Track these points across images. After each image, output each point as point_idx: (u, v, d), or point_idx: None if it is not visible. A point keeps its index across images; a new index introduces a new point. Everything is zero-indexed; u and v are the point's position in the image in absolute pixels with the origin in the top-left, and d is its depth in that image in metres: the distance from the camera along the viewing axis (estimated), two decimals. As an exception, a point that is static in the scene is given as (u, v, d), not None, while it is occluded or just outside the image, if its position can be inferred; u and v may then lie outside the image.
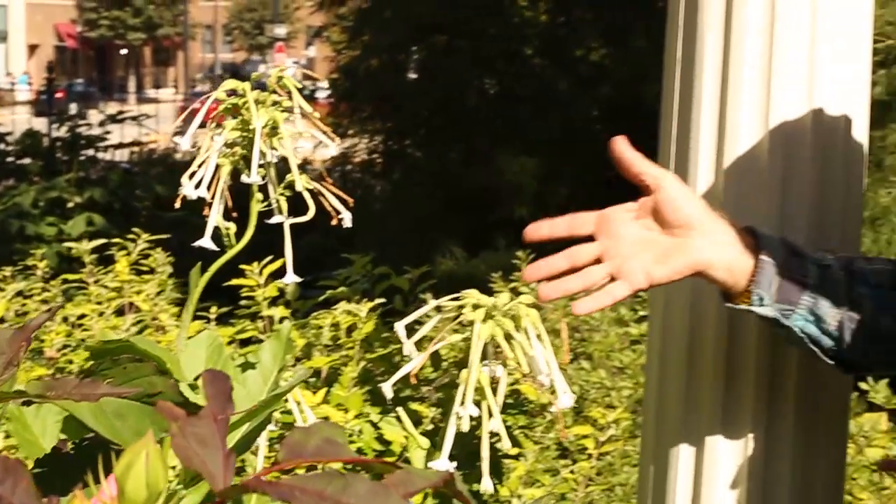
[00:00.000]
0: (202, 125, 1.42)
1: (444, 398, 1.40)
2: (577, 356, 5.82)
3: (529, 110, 11.14)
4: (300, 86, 1.42)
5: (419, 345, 1.36)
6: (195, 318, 3.56)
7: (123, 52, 55.66)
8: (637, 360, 5.90)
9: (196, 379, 1.37)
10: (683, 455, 1.85)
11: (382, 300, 3.35)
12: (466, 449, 1.37)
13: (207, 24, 59.05)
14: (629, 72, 10.75)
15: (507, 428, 3.19)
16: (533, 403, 3.70)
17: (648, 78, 9.91)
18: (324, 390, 2.53)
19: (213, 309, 3.65)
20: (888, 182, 7.51)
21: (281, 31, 48.07)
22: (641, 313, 6.67)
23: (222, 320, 3.71)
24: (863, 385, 5.74)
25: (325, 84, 14.03)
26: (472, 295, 1.34)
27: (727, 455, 1.82)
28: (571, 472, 3.89)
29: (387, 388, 1.32)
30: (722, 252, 1.56)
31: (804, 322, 1.61)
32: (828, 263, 1.63)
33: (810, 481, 1.83)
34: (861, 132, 1.84)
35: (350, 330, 3.14)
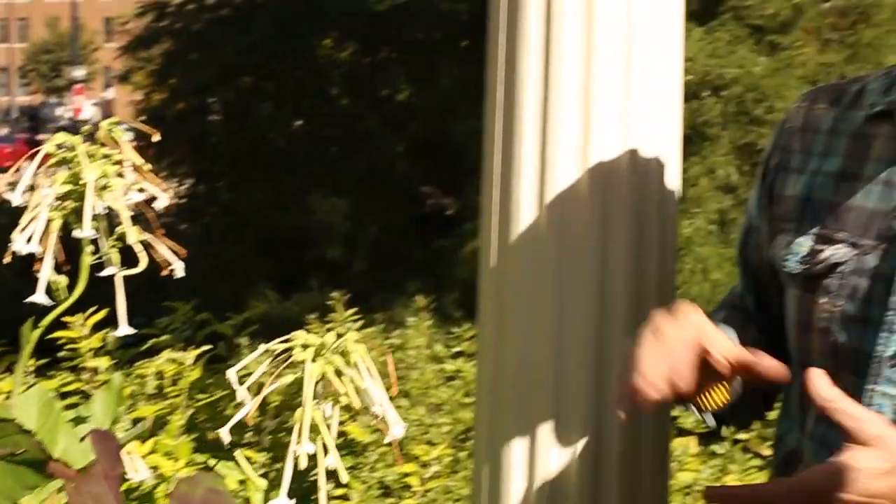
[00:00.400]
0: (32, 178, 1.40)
1: (273, 441, 1.41)
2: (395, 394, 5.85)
3: (338, 150, 11.18)
4: (131, 138, 1.41)
5: (252, 389, 1.37)
6: (4, 371, 3.49)
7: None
8: (454, 396, 5.96)
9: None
10: (516, 471, 1.89)
11: (208, 347, 3.33)
12: (302, 489, 1.39)
13: (2, 66, 57.73)
14: (435, 109, 10.88)
15: (335, 469, 3.22)
16: (358, 444, 3.71)
17: (454, 115, 10.04)
18: (152, 440, 2.51)
19: (31, 362, 3.57)
20: (690, 213, 7.76)
21: (79, 73, 47.24)
22: (456, 349, 6.76)
23: (40, 373, 3.64)
24: (672, 411, 5.90)
25: (128, 126, 13.76)
26: (300, 336, 1.36)
27: (559, 462, 1.86)
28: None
29: (224, 434, 1.32)
30: None
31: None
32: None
33: (637, 482, 1.90)
34: (673, 169, 1.92)
35: (175, 378, 3.12)
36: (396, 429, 1.37)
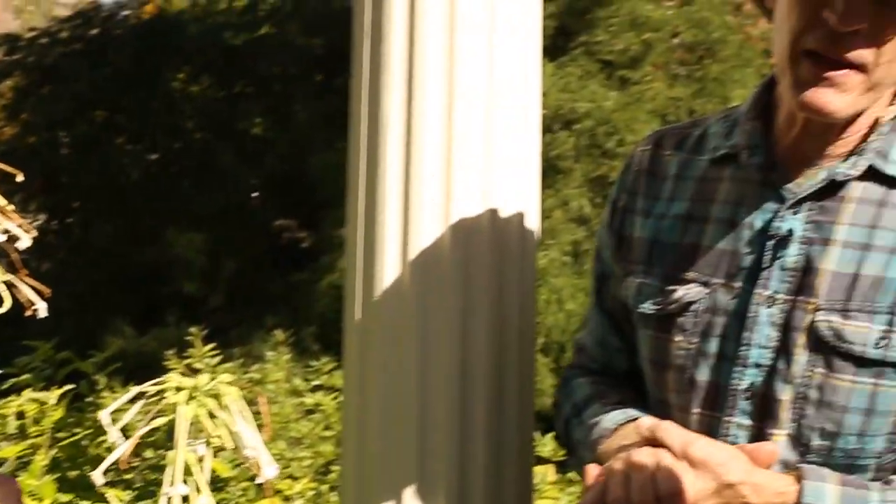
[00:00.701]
0: None
1: (144, 481, 1.42)
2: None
3: (194, 185, 11.08)
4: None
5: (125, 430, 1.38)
6: None
7: None
8: (314, 429, 5.95)
9: None
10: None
11: (71, 386, 3.29)
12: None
13: None
14: (291, 143, 10.85)
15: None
16: (222, 481, 3.69)
17: (310, 149, 10.03)
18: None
19: None
20: (544, 245, 7.85)
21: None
22: (315, 383, 6.73)
23: None
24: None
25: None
26: (173, 378, 1.37)
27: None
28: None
29: (97, 476, 1.33)
30: None
31: None
32: None
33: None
34: (533, 221, 1.98)
35: (37, 418, 3.08)
36: (269, 469, 1.39)
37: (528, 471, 2.01)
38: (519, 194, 1.94)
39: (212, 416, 1.37)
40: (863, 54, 1.54)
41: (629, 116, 7.84)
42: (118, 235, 10.74)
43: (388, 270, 1.90)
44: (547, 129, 8.05)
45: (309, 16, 11.33)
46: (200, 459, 1.37)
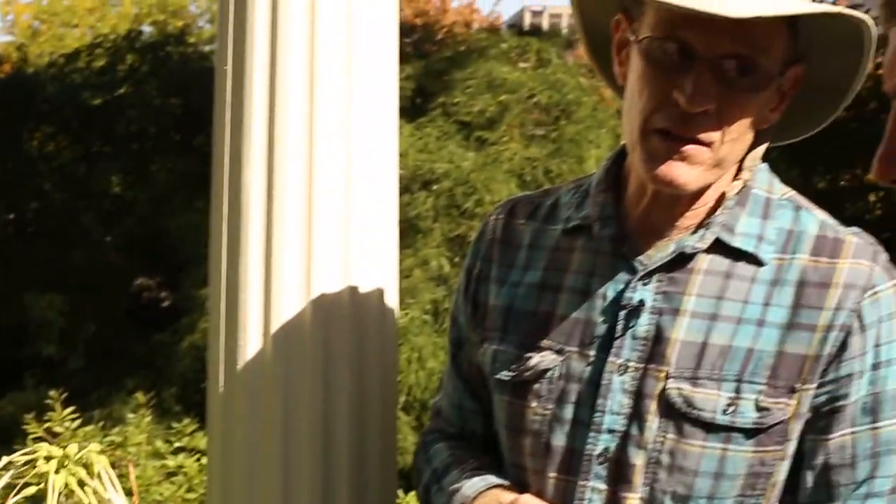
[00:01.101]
0: None
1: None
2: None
3: (53, 246, 10.92)
4: None
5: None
6: None
7: None
8: (177, 492, 5.91)
9: None
10: None
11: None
12: None
13: None
14: (150, 203, 10.77)
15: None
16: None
17: (169, 209, 9.97)
18: None
19: None
20: (405, 304, 7.86)
21: None
22: (177, 444, 6.68)
23: None
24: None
25: None
26: (43, 448, 1.40)
27: None
28: None
29: None
30: None
31: None
32: None
33: None
34: (392, 300, 2.01)
35: None
36: None
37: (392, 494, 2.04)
38: (378, 261, 1.98)
39: (82, 484, 1.40)
40: (710, 133, 1.62)
41: (486, 176, 7.90)
42: (-27, 298, 10.53)
43: (251, 341, 1.92)
44: (406, 189, 8.09)
45: (167, 76, 11.27)
46: None
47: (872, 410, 1.67)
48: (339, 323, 1.94)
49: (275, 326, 1.91)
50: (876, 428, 1.67)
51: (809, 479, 1.69)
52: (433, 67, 9.34)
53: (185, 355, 8.55)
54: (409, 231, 7.94)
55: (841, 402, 1.66)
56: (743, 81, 1.61)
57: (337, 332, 1.93)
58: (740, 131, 1.64)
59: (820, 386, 1.66)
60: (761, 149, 1.74)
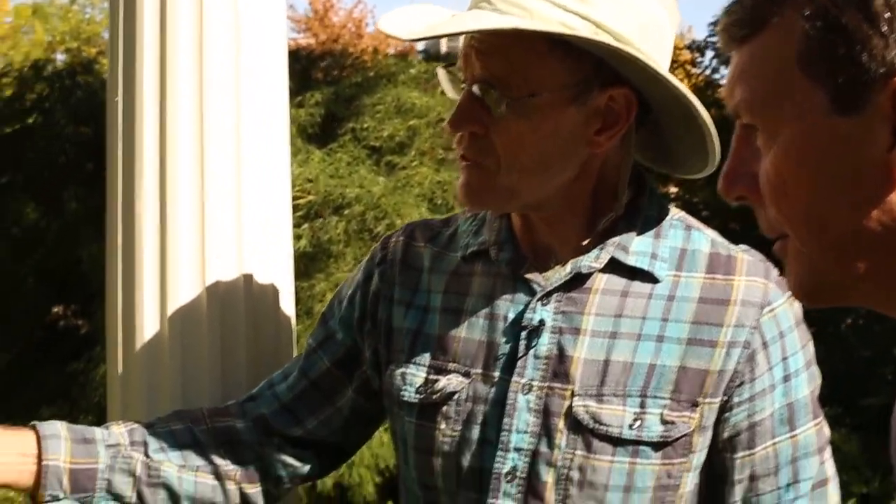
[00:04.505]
0: None
1: None
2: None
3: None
4: None
5: None
6: None
7: None
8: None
9: None
10: None
11: None
12: None
13: None
14: (63, 233, 10.66)
15: None
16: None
17: (81, 239, 9.89)
18: None
19: None
20: (308, 326, 7.86)
21: None
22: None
23: None
24: None
25: None
26: None
27: None
28: None
29: None
30: None
31: (106, 502, 1.78)
32: (115, 442, 1.79)
33: None
34: (287, 294, 2.04)
35: None
36: None
37: None
38: (271, 248, 2.01)
39: None
40: (484, 157, 1.68)
41: (397, 200, 7.89)
42: None
43: (148, 323, 1.94)
44: (317, 214, 8.07)
45: (75, 105, 11.17)
46: None
47: (789, 420, 1.73)
48: (233, 307, 1.96)
49: (171, 309, 1.94)
50: (794, 436, 1.73)
51: (737, 493, 1.74)
52: (343, 94, 9.35)
53: (100, 384, 8.48)
54: (322, 255, 7.92)
55: (758, 417, 1.72)
56: (501, 106, 1.65)
57: (231, 315, 1.96)
58: (529, 156, 1.66)
59: (738, 405, 1.71)
60: (627, 172, 1.76)
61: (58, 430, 1.77)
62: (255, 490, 1.87)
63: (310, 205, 7.95)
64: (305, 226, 7.90)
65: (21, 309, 10.71)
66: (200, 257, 1.95)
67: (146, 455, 1.81)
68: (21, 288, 11.00)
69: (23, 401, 9.22)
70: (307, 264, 7.63)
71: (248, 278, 1.98)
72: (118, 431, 1.82)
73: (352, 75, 10.40)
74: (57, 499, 1.75)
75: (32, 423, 1.78)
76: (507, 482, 1.69)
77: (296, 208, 7.58)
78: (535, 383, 1.70)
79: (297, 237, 7.61)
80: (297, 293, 2.07)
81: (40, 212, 11.21)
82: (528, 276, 1.75)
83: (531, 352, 1.71)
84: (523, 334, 1.72)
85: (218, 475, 1.85)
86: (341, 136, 8.74)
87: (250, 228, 2.00)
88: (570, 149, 1.69)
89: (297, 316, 2.09)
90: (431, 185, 8.36)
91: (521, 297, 1.74)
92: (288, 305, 2.06)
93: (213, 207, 1.96)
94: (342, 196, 8.06)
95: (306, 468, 1.90)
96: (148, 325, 1.95)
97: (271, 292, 2.02)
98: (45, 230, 11.07)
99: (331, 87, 9.72)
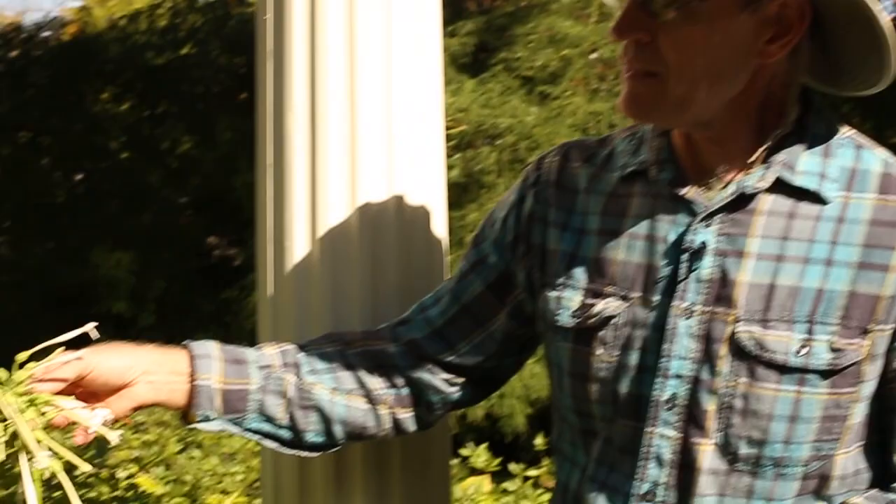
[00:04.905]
0: None
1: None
2: (187, 445, 5.84)
3: (120, 204, 11.02)
4: None
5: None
6: None
7: None
8: (247, 444, 5.97)
9: None
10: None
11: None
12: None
13: None
14: (216, 163, 10.83)
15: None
16: (149, 496, 3.75)
17: (234, 168, 10.03)
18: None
19: None
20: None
21: None
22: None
23: None
24: (464, 451, 6.03)
25: None
26: None
27: None
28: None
29: None
30: (150, 393, 1.71)
31: (258, 424, 1.77)
32: (267, 363, 1.78)
33: None
34: (440, 218, 2.00)
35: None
36: (95, 420, 1.46)
37: (446, 468, 2.04)
38: (422, 170, 1.98)
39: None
40: (652, 65, 1.62)
41: (550, 131, 7.85)
42: (46, 256, 10.67)
43: (298, 245, 1.92)
44: (469, 144, 8.08)
45: (229, 35, 11.31)
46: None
47: None
48: (384, 229, 1.94)
49: (321, 231, 1.92)
50: None
51: None
52: (494, 23, 9.28)
53: (253, 311, 8.61)
54: (474, 185, 7.93)
55: None
56: (670, 11, 1.60)
57: (383, 238, 1.94)
58: (700, 65, 1.61)
59: None
60: (797, 88, 1.70)
61: (210, 351, 1.76)
62: (407, 415, 1.85)
63: (462, 135, 7.94)
64: (457, 156, 7.90)
65: (178, 238, 10.91)
66: (351, 181, 1.92)
67: (298, 377, 1.79)
68: (178, 217, 11.20)
69: (179, 327, 9.40)
70: (459, 195, 7.64)
71: (399, 200, 1.95)
72: (270, 352, 1.81)
73: (504, 5, 10.32)
74: (208, 419, 1.74)
75: (185, 342, 1.76)
76: (667, 410, 1.66)
77: (448, 138, 7.55)
78: (696, 308, 1.65)
79: (449, 167, 7.59)
80: (449, 223, 2.03)
81: (195, 142, 11.39)
82: (690, 196, 1.69)
83: (692, 275, 1.66)
84: (684, 257, 1.67)
85: (370, 399, 1.83)
86: (493, 65, 8.70)
87: (401, 153, 1.96)
88: (740, 58, 1.63)
89: (450, 245, 2.05)
90: (584, 115, 8.31)
91: (682, 219, 1.69)
92: (440, 228, 2.02)
93: (364, 131, 1.92)
94: (494, 126, 8.06)
95: (458, 395, 1.87)
96: (298, 248, 1.93)
97: (423, 214, 1.99)
98: (199, 160, 11.25)
99: (483, 16, 9.67)
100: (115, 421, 1.63)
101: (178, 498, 4.94)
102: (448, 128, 8.16)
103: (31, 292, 10.28)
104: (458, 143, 8.01)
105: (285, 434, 1.79)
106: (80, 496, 3.23)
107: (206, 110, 11.21)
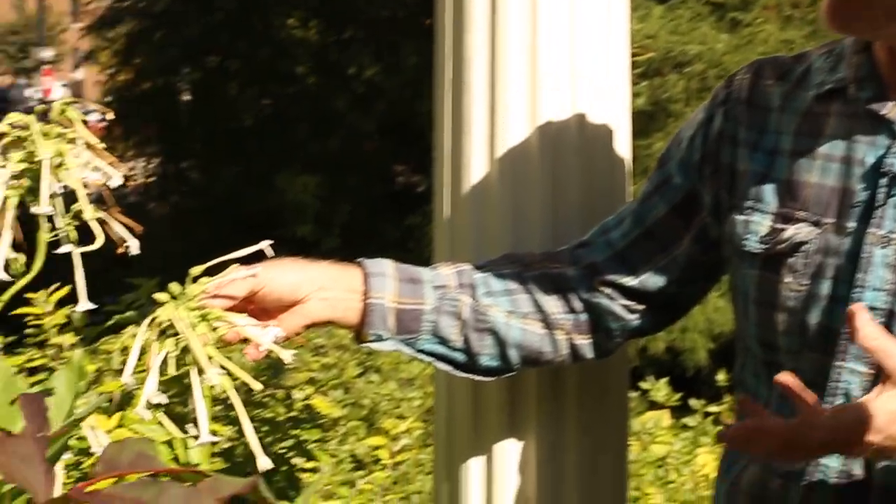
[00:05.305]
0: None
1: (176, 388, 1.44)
2: (366, 370, 5.89)
3: (306, 129, 11.15)
4: (84, 117, 1.44)
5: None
6: (-26, 348, 3.50)
7: None
8: (425, 370, 6.00)
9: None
10: (474, 462, 1.90)
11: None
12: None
13: (-31, 49, 57.31)
14: (401, 88, 10.88)
15: (302, 442, 3.21)
16: (325, 418, 3.75)
17: (419, 94, 10.05)
18: (118, 414, 2.53)
19: (0, 338, 3.59)
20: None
21: (47, 53, 46.92)
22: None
23: (9, 350, 3.65)
24: (644, 385, 5.96)
25: (97, 107, 13.80)
26: (160, 297, 1.41)
27: (515, 455, 1.87)
28: (368, 483, 3.94)
29: (142, 411, 1.35)
30: (323, 310, 1.65)
31: (431, 345, 1.71)
32: (443, 283, 1.73)
33: (595, 474, 1.91)
34: (623, 140, 1.93)
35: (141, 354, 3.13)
36: (266, 337, 1.44)
37: (624, 399, 1.99)
38: (606, 92, 1.91)
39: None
40: None
41: (740, 59, 7.69)
42: (232, 180, 10.87)
43: (475, 170, 1.88)
44: (657, 72, 7.99)
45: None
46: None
47: None
48: (565, 149, 1.86)
49: (500, 150, 1.86)
50: None
51: None
52: (686, -53, 9.11)
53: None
54: (660, 114, 7.86)
55: None
56: None
57: (563, 157, 1.86)
58: None
59: None
60: None
61: (385, 269, 1.71)
62: (584, 341, 1.78)
63: (649, 62, 7.82)
64: (644, 83, 7.80)
65: (363, 163, 11.01)
66: (531, 98, 1.84)
67: (474, 298, 1.73)
68: (363, 143, 11.29)
69: (362, 252, 9.48)
70: (645, 123, 7.54)
71: (580, 119, 1.87)
72: (446, 273, 1.75)
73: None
74: (381, 339, 1.69)
75: (359, 259, 1.71)
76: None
77: (635, 65, 7.46)
78: (893, 236, 1.56)
79: (636, 95, 7.51)
80: (634, 151, 1.97)
81: (381, 67, 11.44)
82: (891, 116, 1.58)
83: (891, 201, 1.56)
84: (883, 181, 1.56)
85: (547, 323, 1.76)
86: (683, -8, 8.56)
87: (584, 72, 1.87)
88: None
89: (634, 174, 1.98)
90: (776, 43, 8.14)
91: (882, 140, 1.58)
92: (623, 148, 1.94)
93: (545, 50, 1.84)
94: (683, 53, 7.96)
95: (637, 322, 1.79)
96: (476, 167, 1.87)
97: (605, 134, 1.91)
98: (385, 86, 11.31)
99: (674, -60, 9.49)
100: (287, 338, 1.58)
101: (354, 421, 4.96)
102: (635, 55, 8.03)
103: (217, 216, 10.50)
104: (645, 71, 7.90)
105: (459, 356, 1.74)
106: (256, 415, 3.24)
107: (392, 35, 11.24)
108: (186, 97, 12.53)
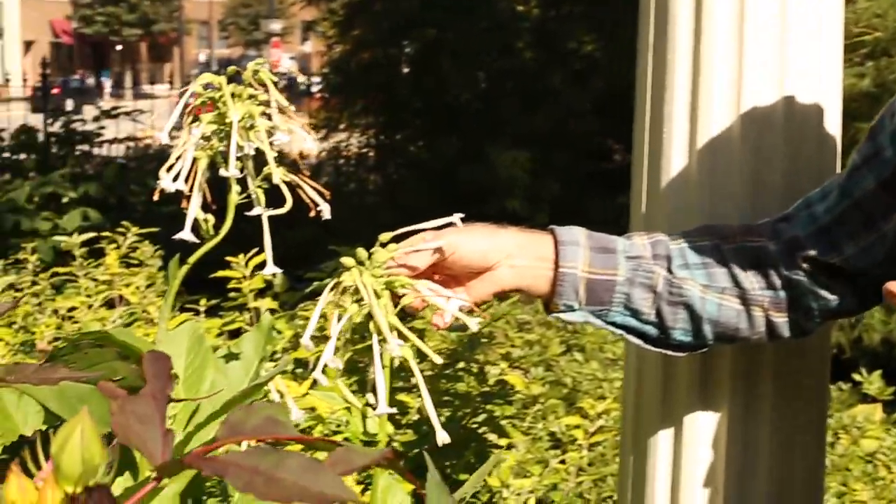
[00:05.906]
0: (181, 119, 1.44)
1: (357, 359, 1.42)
2: (569, 348, 5.83)
3: (520, 104, 11.13)
4: (276, 80, 1.43)
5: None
6: (185, 310, 3.59)
7: (119, 48, 55.65)
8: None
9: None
10: (662, 437, 1.88)
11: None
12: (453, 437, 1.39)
13: (203, 19, 59.02)
14: (620, 65, 10.74)
15: (495, 418, 3.19)
16: (521, 394, 3.72)
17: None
18: (310, 380, 2.54)
19: (203, 301, 3.66)
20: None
21: (276, 26, 48.06)
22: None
23: (212, 312, 3.72)
24: (856, 377, 5.76)
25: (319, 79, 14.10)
26: (346, 261, 1.37)
27: (706, 429, 1.84)
28: (562, 462, 3.90)
29: (319, 375, 1.34)
30: (513, 278, 1.62)
31: (622, 318, 1.66)
32: (637, 254, 1.66)
33: (790, 460, 1.86)
34: (834, 123, 1.86)
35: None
36: (451, 305, 1.40)
37: (824, 382, 1.92)
38: (817, 73, 1.83)
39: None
40: None
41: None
42: (445, 153, 10.93)
43: (676, 162, 1.84)
44: (884, 52, 7.66)
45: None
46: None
47: None
48: (771, 124, 1.80)
49: (701, 145, 1.81)
50: None
51: None
52: None
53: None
54: (885, 95, 7.51)
55: None
56: None
57: (768, 130, 1.80)
58: None
59: None
60: None
61: (577, 237, 1.66)
62: (782, 319, 1.70)
63: (876, 42, 7.49)
64: (869, 64, 7.47)
65: (577, 139, 10.94)
66: (738, 68, 1.79)
67: (669, 271, 1.68)
68: (575, 118, 11.22)
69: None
70: (870, 105, 7.23)
71: (788, 98, 1.79)
72: (641, 243, 1.70)
73: None
74: (571, 309, 1.65)
75: (551, 226, 1.67)
76: None
77: (860, 45, 7.18)
78: None
79: (861, 76, 7.23)
80: (856, 135, 1.86)
81: (598, 42, 11.34)
82: None
83: None
84: None
85: (744, 299, 1.69)
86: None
87: (794, 40, 1.81)
88: None
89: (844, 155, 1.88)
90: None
91: None
92: (833, 126, 1.86)
93: (754, 31, 1.80)
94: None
95: (839, 302, 1.71)
96: (677, 138, 1.83)
97: (814, 112, 1.83)
98: (603, 62, 11.20)
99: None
100: (474, 309, 1.54)
101: (553, 399, 4.91)
102: (860, 34, 7.78)
103: (429, 187, 10.56)
104: (872, 51, 7.58)
105: (651, 330, 1.69)
106: (448, 389, 3.23)
107: (613, 11, 11.11)
108: (404, 69, 12.62)
